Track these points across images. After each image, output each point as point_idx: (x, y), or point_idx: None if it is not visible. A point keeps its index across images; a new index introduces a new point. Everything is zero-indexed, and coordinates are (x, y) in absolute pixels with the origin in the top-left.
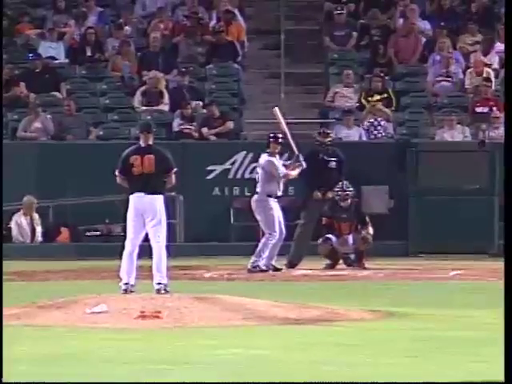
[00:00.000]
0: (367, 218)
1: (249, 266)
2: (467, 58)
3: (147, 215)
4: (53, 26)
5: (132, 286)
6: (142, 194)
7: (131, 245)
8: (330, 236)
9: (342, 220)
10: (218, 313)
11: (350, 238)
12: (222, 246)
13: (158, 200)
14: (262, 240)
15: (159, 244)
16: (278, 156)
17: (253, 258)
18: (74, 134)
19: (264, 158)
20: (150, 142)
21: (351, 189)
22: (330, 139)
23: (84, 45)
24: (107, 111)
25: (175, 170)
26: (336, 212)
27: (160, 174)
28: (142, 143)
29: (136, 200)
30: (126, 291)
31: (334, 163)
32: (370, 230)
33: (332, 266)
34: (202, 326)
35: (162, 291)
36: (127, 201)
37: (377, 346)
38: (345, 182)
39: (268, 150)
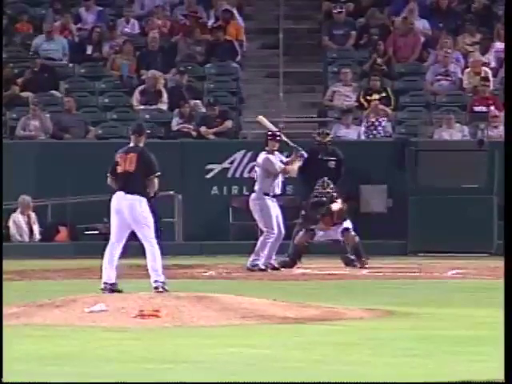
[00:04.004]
0: (337, 199)
1: (248, 265)
2: (466, 57)
3: (128, 217)
4: (52, 25)
5: (112, 284)
6: (122, 193)
7: (110, 243)
8: (315, 231)
9: (324, 214)
10: (217, 312)
11: (335, 230)
12: (220, 245)
13: (138, 202)
14: (260, 238)
15: (151, 244)
16: (276, 153)
17: (252, 257)
18: (72, 133)
19: (262, 156)
20: (141, 145)
21: (332, 186)
22: (329, 139)
23: (83, 44)
24: (106, 110)
25: (158, 174)
26: (316, 208)
27: (141, 174)
28: (131, 144)
29: (115, 199)
30: (103, 290)
31: (334, 163)
32: (337, 205)
33: (290, 264)
34: (201, 325)
35: (160, 289)
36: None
37: (376, 345)
38: (325, 179)
39: (266, 148)
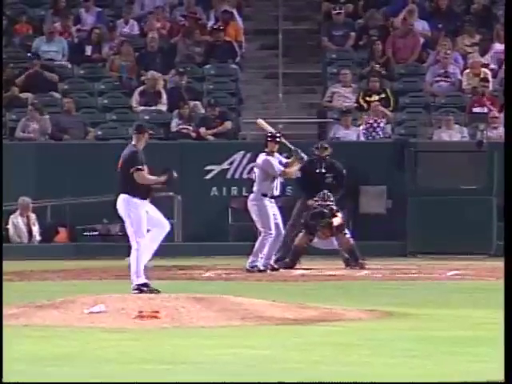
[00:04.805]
0: (338, 213)
1: (247, 266)
2: (465, 59)
3: (123, 216)
4: (51, 26)
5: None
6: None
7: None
8: (314, 234)
9: (324, 226)
10: (216, 313)
11: (334, 240)
12: (219, 246)
13: (124, 200)
14: (259, 239)
15: (134, 244)
16: (276, 155)
17: (251, 258)
18: (72, 134)
19: (261, 157)
20: (140, 144)
21: (332, 199)
22: (327, 153)
23: (82, 45)
24: (105, 111)
25: (135, 167)
26: (317, 219)
27: (124, 173)
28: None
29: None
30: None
31: (331, 179)
32: (337, 219)
33: (290, 265)
34: (200, 325)
35: (136, 291)
36: None
37: (375, 346)
38: (325, 192)
39: (266, 150)
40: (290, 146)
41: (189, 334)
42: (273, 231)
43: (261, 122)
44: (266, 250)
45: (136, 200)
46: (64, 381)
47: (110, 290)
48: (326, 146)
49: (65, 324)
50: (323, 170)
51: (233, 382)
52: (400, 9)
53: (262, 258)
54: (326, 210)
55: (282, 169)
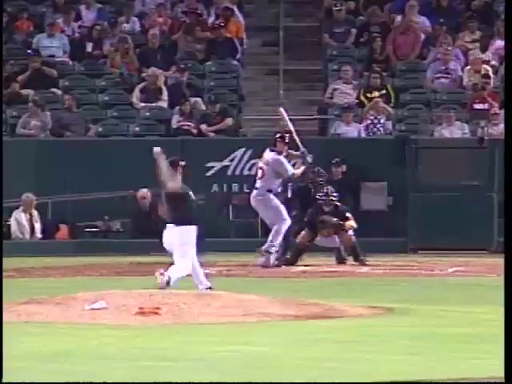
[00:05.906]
0: (348, 214)
1: (262, 249)
2: (466, 55)
3: None
4: (52, 23)
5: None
6: None
7: None
8: (317, 234)
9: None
10: (218, 309)
11: (336, 238)
12: (221, 243)
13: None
14: (275, 227)
15: None
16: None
17: (267, 243)
18: (73, 131)
19: (270, 155)
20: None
21: (335, 194)
22: (322, 179)
23: (83, 41)
24: (106, 108)
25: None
26: (320, 216)
27: None
28: None
29: None
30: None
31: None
32: (352, 223)
33: (291, 262)
34: (202, 322)
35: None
36: None
37: (376, 343)
38: (329, 187)
39: (275, 148)
40: (301, 146)
41: (190, 331)
42: (287, 217)
43: (282, 111)
44: (280, 239)
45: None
46: (65, 378)
47: (110, 287)
48: (322, 171)
49: (66, 320)
50: (317, 195)
51: (233, 382)
52: (401, 6)
53: (276, 249)
54: (334, 220)
55: (293, 171)
